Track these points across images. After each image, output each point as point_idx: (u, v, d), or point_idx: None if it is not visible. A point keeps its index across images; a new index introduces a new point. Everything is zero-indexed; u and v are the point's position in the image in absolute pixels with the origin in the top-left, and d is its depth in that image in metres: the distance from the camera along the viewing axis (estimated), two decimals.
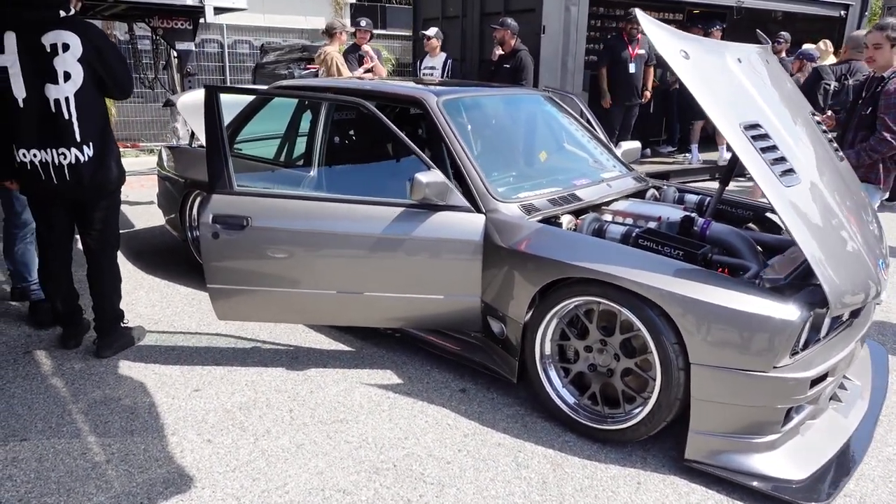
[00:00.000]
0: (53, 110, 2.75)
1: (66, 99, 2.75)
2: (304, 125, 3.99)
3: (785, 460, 2.29)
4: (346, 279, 2.88)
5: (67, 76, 2.74)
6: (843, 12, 9.15)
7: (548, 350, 2.65)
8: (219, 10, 5.26)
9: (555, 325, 2.61)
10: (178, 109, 4.55)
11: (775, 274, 2.45)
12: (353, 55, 6.41)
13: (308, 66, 7.67)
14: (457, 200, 2.82)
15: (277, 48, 9.31)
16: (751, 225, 3.36)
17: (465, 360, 2.97)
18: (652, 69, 7.34)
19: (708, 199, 3.40)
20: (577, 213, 3.01)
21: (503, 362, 2.83)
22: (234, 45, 11.48)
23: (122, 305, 3.27)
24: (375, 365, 3.11)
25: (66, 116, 2.77)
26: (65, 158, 2.82)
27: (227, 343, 3.30)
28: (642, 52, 6.96)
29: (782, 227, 2.25)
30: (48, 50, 2.70)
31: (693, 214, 2.93)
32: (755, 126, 2.40)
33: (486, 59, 7.23)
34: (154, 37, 6.47)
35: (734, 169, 3.21)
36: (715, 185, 4.00)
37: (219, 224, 2.83)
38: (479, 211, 2.82)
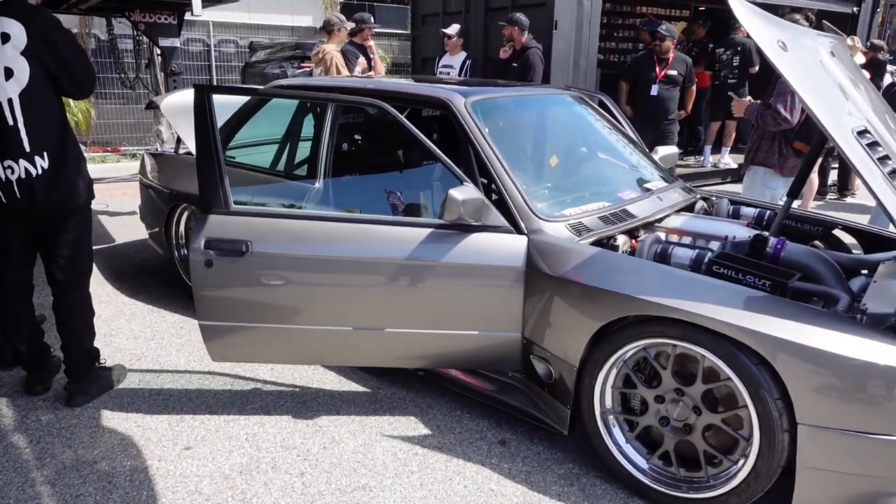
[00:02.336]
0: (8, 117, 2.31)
1: (10, 101, 2.30)
2: (306, 130, 3.55)
3: None
4: (364, 313, 2.44)
5: (9, 73, 2.29)
6: (855, 8, 8.83)
7: (608, 400, 2.23)
8: (207, 2, 4.78)
9: (618, 370, 2.19)
10: (162, 112, 4.08)
11: (881, 308, 2.05)
12: (353, 53, 5.95)
13: (302, 64, 7.21)
14: (494, 220, 2.40)
15: (267, 46, 8.81)
16: (816, 242, 2.97)
17: (504, 405, 2.54)
18: (693, 90, 6.48)
19: (769, 212, 3.00)
20: (629, 233, 2.60)
21: (550, 410, 2.41)
22: (218, 44, 10.97)
23: (99, 340, 2.82)
24: (396, 410, 2.67)
25: (11, 122, 2.32)
26: (12, 173, 2.36)
27: (223, 384, 2.84)
28: (673, 72, 6.09)
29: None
30: None
31: (765, 234, 2.52)
32: (865, 132, 1.99)
33: (491, 57, 6.81)
34: (135, 33, 5.97)
35: (804, 181, 2.82)
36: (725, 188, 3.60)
37: (213, 250, 2.37)
38: (519, 232, 2.40)
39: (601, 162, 3.22)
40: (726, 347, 1.91)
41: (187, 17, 5.27)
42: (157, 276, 4.12)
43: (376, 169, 3.30)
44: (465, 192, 2.29)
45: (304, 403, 2.70)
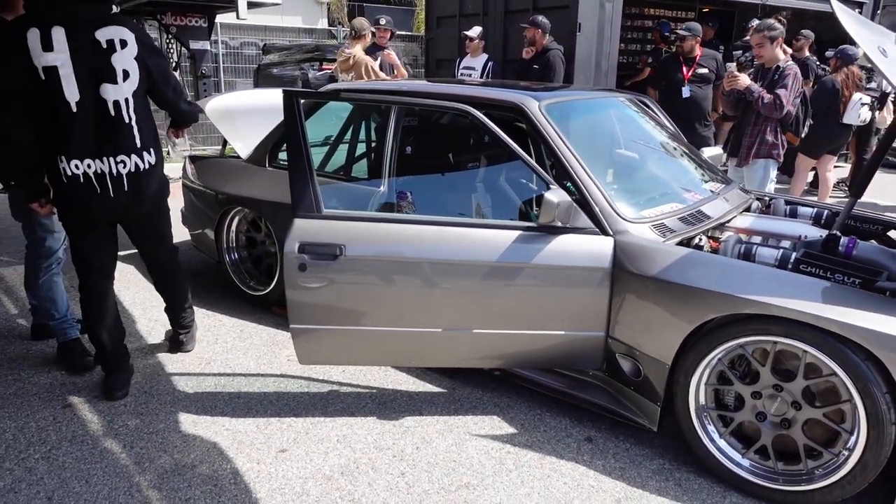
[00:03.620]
0: (113, 113, 2.45)
1: (126, 100, 2.47)
2: (364, 133, 3.58)
3: None
4: (454, 315, 2.48)
5: (126, 75, 2.45)
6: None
7: (703, 396, 2.29)
8: (252, 5, 4.77)
9: (713, 368, 2.25)
10: (208, 115, 4.07)
11: None
12: (373, 56, 5.96)
13: (324, 66, 7.19)
14: (582, 222, 2.45)
15: (282, 48, 8.75)
16: (872, 241, 3.05)
17: (586, 403, 2.59)
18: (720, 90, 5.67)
19: (826, 211, 3.08)
20: (705, 233, 2.66)
21: (637, 407, 2.46)
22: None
23: (160, 342, 3.28)
24: (477, 410, 2.71)
25: (127, 119, 2.48)
26: (124, 167, 2.52)
27: (298, 387, 2.86)
28: (703, 70, 5.60)
29: None
30: (104, 46, 2.39)
31: (836, 233, 2.59)
32: None
33: (510, 59, 6.86)
34: (166, 36, 5.92)
35: (869, 180, 2.90)
36: None
37: (307, 254, 2.40)
38: (605, 233, 2.45)
39: (664, 163, 3.28)
40: (832, 344, 1.97)
41: (219, 19, 5.24)
42: (203, 280, 4.11)
43: (456, 172, 3.33)
44: (560, 196, 2.34)
45: (385, 405, 2.73)
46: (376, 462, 2.35)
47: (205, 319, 3.55)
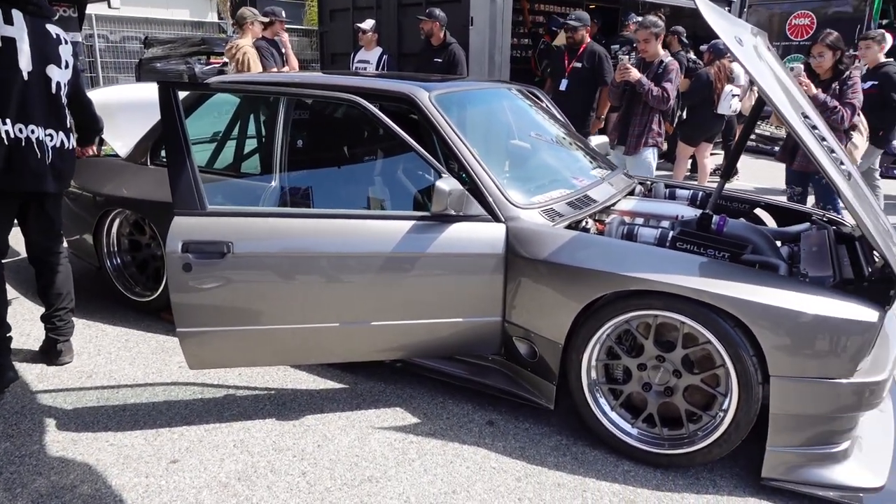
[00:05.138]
0: (54, 92, 2.71)
1: (64, 84, 2.76)
2: (252, 127, 3.46)
3: (858, 467, 2.18)
4: (351, 308, 2.44)
5: (67, 65, 2.76)
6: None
7: (594, 372, 2.39)
8: None
9: (602, 344, 2.35)
10: None
11: (820, 272, 2.35)
12: (266, 48, 5.77)
13: (211, 60, 6.87)
14: (474, 209, 2.48)
15: (166, 41, 8.26)
16: (741, 219, 3.30)
17: (486, 387, 2.64)
18: (605, 91, 5.29)
19: (701, 193, 3.30)
20: (592, 216, 2.77)
21: (534, 388, 2.53)
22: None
23: (37, 358, 3.03)
24: (380, 403, 2.69)
25: (63, 101, 2.77)
26: (52, 140, 2.72)
27: (191, 394, 2.73)
28: (578, 65, 5.36)
29: (855, 221, 2.09)
30: (54, 37, 2.71)
31: (709, 212, 2.78)
32: (806, 116, 2.27)
33: (406, 52, 6.86)
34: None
35: (735, 163, 3.13)
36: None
37: (192, 253, 2.28)
38: (497, 220, 2.50)
39: (552, 151, 3.39)
40: (706, 314, 2.12)
41: (89, 9, 4.87)
42: (83, 289, 3.82)
43: (350, 164, 3.27)
44: (451, 184, 2.36)
45: (284, 405, 2.65)
46: (276, 464, 2.28)
47: (85, 330, 3.30)
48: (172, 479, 2.19)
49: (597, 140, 3.89)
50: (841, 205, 4.26)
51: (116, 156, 3.57)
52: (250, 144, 3.40)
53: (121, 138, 3.58)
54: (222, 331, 2.38)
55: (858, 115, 4.24)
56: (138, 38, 10.83)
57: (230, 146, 3.40)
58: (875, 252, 2.37)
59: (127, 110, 3.72)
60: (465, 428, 2.53)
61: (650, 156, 4.59)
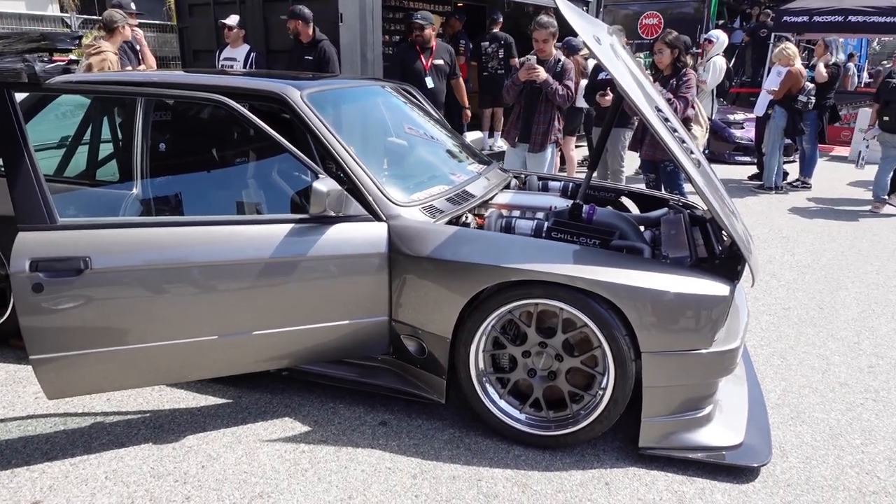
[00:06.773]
0: None
1: None
2: (105, 131, 3.19)
3: (720, 427, 2.40)
4: (230, 319, 2.32)
5: None
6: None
7: (482, 363, 2.44)
8: None
9: (488, 335, 2.41)
10: None
11: (678, 253, 2.55)
12: (120, 45, 5.33)
13: (55, 58, 6.21)
14: (354, 209, 2.45)
15: None
16: (608, 207, 3.52)
17: (378, 388, 2.62)
18: (461, 83, 6.08)
19: (571, 184, 3.47)
20: (471, 211, 2.83)
21: (425, 384, 2.55)
22: None
23: None
24: (267, 415, 2.59)
25: None
26: None
27: (52, 426, 2.47)
28: (439, 62, 5.76)
29: (707, 208, 2.28)
30: None
31: (580, 202, 2.94)
32: (659, 109, 2.45)
33: (275, 49, 6.62)
34: None
35: (599, 155, 3.31)
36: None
37: (42, 272, 2.06)
38: (378, 219, 2.48)
39: (430, 147, 3.41)
40: (582, 299, 2.23)
41: None
42: None
43: (219, 168, 3.09)
44: (328, 185, 2.31)
45: (161, 427, 2.48)
46: (155, 492, 2.12)
47: None
48: None
49: (472, 136, 3.98)
50: (687, 189, 4.70)
51: None
52: (105, 149, 3.13)
53: None
54: (83, 354, 2.17)
55: (693, 107, 4.66)
56: None
57: (82, 152, 3.11)
58: (723, 232, 2.62)
59: None
60: (358, 431, 2.50)
61: (550, 152, 4.70)
